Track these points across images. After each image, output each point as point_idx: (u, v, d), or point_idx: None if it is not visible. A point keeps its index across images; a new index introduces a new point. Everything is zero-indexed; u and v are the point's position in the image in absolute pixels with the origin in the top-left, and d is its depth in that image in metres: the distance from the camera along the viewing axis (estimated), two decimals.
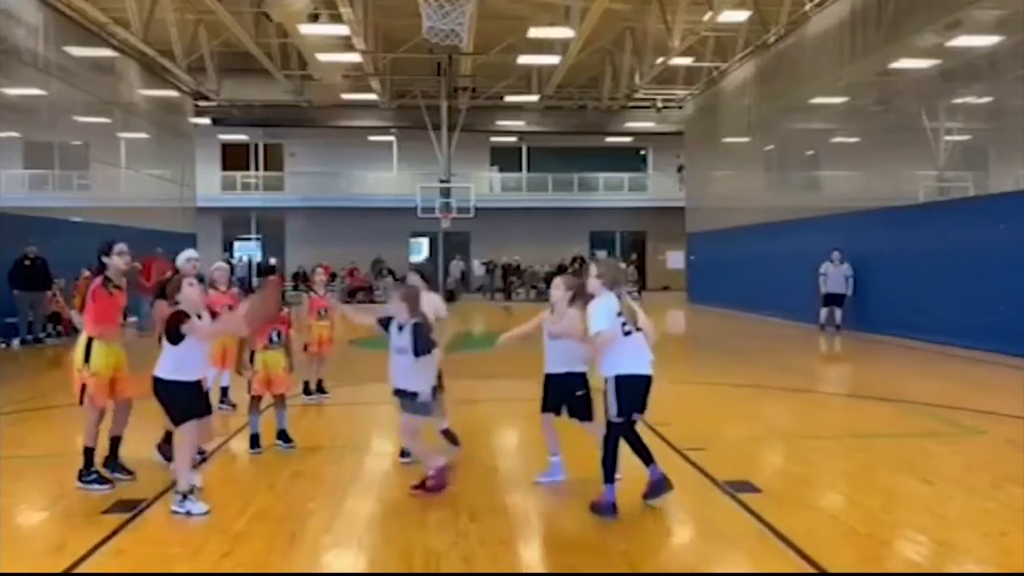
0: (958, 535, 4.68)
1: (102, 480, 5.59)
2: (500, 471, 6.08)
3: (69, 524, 4.93)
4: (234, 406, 8.18)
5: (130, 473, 5.79)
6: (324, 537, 4.71)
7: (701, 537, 4.82)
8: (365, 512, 5.14)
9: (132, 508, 5.11)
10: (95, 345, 5.62)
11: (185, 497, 4.97)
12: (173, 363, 5.11)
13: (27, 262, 15.36)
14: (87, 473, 5.59)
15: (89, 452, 5.62)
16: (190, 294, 5.24)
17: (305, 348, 8.72)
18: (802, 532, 4.61)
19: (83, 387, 5.59)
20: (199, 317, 5.25)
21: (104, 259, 5.77)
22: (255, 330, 6.62)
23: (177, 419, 5.11)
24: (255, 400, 6.71)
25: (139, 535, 4.71)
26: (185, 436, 5.08)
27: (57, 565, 4.24)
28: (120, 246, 5.85)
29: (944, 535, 4.65)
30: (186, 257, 7.00)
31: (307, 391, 8.95)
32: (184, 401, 5.11)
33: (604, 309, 4.98)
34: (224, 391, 8.31)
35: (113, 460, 5.80)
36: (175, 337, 5.08)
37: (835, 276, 16.50)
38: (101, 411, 5.70)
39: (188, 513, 4.91)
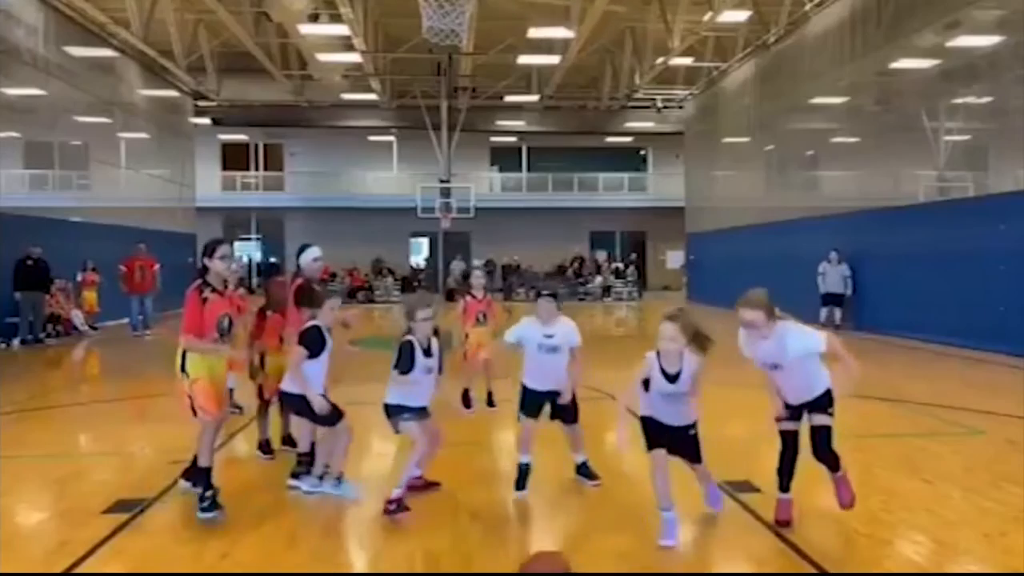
0: (958, 535, 4.68)
1: (216, 506, 4.97)
2: (500, 471, 6.07)
3: (69, 524, 4.92)
4: (240, 409, 7.98)
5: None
6: (324, 537, 4.71)
7: (701, 537, 4.81)
8: (365, 512, 5.14)
9: (132, 508, 5.11)
10: (188, 356, 5.04)
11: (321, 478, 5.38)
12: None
13: (29, 262, 15.37)
14: (202, 498, 4.96)
15: (206, 472, 5.03)
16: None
17: (465, 356, 8.10)
18: (802, 532, 4.61)
19: (190, 400, 5.04)
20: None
21: (206, 262, 5.14)
22: (260, 333, 6.57)
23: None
24: (265, 405, 6.54)
25: (139, 535, 4.70)
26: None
27: (57, 565, 4.24)
28: (224, 248, 5.19)
29: (944, 535, 4.65)
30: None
31: (466, 403, 8.04)
32: None
33: None
34: (229, 392, 8.20)
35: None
36: None
37: (833, 276, 16.50)
38: (216, 422, 5.14)
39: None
